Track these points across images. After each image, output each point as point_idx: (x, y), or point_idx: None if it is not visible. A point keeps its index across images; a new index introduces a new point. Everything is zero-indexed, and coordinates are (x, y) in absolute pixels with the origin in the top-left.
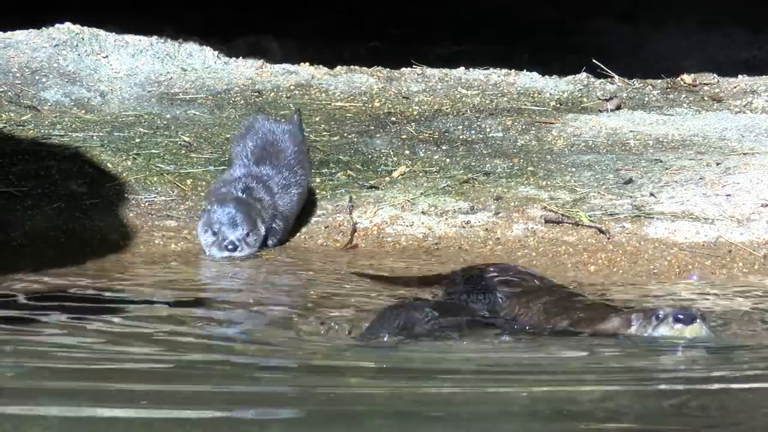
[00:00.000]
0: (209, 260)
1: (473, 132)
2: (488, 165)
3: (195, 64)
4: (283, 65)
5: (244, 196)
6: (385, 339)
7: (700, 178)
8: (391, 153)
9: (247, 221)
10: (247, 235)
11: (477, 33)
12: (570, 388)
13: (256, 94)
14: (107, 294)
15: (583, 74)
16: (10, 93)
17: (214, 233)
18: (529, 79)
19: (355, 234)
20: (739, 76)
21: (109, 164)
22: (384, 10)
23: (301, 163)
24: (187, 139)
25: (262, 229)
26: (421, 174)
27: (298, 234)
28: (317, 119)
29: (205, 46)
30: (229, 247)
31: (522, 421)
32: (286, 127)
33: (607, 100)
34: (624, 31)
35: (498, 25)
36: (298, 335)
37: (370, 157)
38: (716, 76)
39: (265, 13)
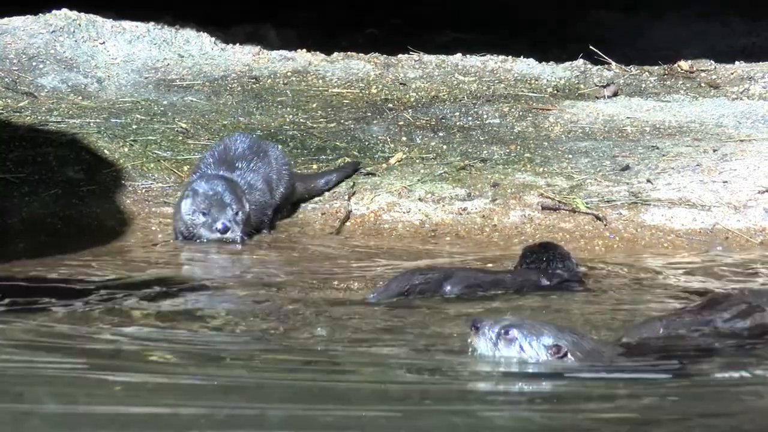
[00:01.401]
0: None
1: (470, 118)
2: (485, 152)
3: (192, 50)
4: (280, 52)
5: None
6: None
7: (697, 165)
8: (388, 139)
9: (234, 200)
10: (236, 214)
11: (477, 31)
12: None
13: (253, 80)
14: (104, 280)
15: (580, 61)
16: (7, 79)
17: (204, 214)
18: (526, 66)
19: (348, 221)
20: (736, 63)
21: (106, 151)
22: (384, 9)
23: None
24: (184, 125)
25: (247, 206)
26: (418, 161)
27: (293, 220)
28: (314, 106)
29: (202, 33)
30: (221, 228)
31: None
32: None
33: (604, 87)
34: (624, 21)
35: (498, 24)
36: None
37: (367, 143)
38: (713, 62)
39: (265, 13)
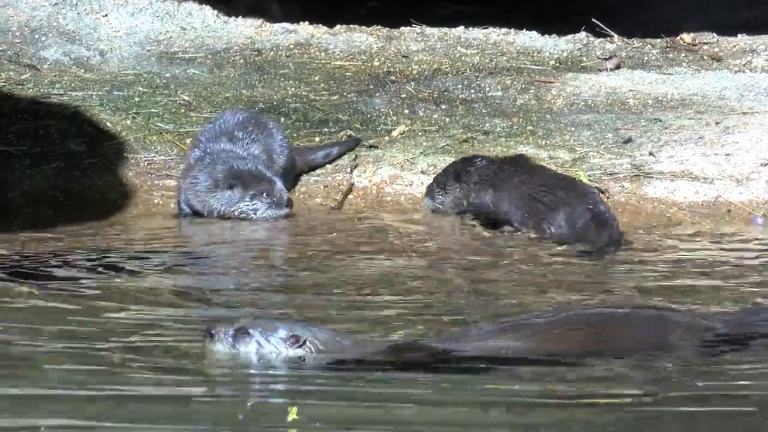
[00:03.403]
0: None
1: (472, 91)
2: (487, 124)
3: (194, 23)
4: (283, 24)
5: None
6: None
7: (700, 138)
8: (391, 112)
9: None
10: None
11: (479, 3)
12: None
13: (256, 53)
14: (106, 253)
15: (583, 33)
16: (9, 52)
17: (267, 194)
18: (528, 39)
19: (350, 194)
20: (739, 36)
21: (108, 123)
22: None
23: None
24: (186, 98)
25: None
26: (420, 133)
27: (297, 193)
28: (316, 78)
29: (204, 6)
30: (289, 202)
31: None
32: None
33: (607, 60)
34: None
35: (499, 2)
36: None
37: (369, 116)
38: (715, 35)
39: None
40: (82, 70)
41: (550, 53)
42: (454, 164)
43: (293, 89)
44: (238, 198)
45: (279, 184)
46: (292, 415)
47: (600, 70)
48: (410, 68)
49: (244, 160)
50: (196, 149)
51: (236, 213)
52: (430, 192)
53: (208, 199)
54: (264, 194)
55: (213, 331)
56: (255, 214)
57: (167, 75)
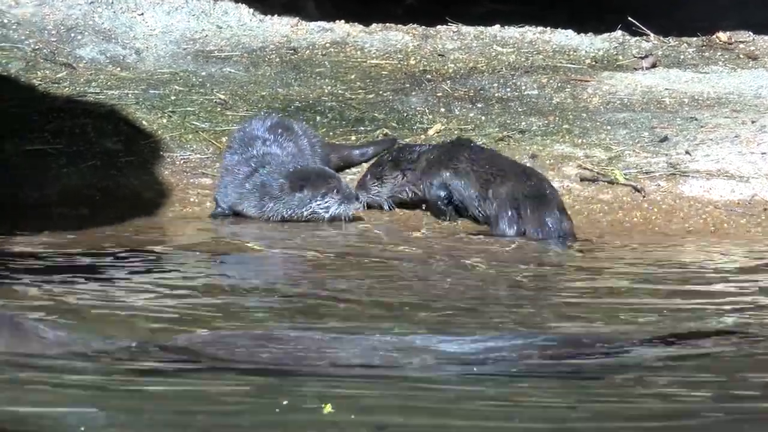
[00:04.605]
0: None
1: (508, 90)
2: (523, 123)
3: (230, 21)
4: (319, 23)
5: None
6: None
7: (736, 136)
8: (427, 111)
9: None
10: None
11: (514, 2)
12: None
13: (292, 51)
14: (142, 252)
15: (619, 32)
16: (45, 50)
17: (337, 191)
18: (564, 37)
19: None
20: None
21: (144, 122)
22: None
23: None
24: (222, 96)
25: None
26: (456, 132)
27: None
28: (352, 77)
29: (240, 4)
30: (357, 197)
31: None
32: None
33: (643, 58)
34: None
35: (534, 2)
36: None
37: (405, 114)
38: (752, 34)
39: None
40: (118, 69)
41: (586, 52)
42: (386, 153)
43: (329, 88)
44: (310, 198)
45: (343, 180)
46: (327, 409)
47: (636, 69)
48: (446, 67)
49: (297, 160)
50: (234, 155)
51: (305, 214)
52: (363, 185)
53: (271, 205)
54: (335, 191)
55: None
56: (327, 212)
57: (203, 73)
